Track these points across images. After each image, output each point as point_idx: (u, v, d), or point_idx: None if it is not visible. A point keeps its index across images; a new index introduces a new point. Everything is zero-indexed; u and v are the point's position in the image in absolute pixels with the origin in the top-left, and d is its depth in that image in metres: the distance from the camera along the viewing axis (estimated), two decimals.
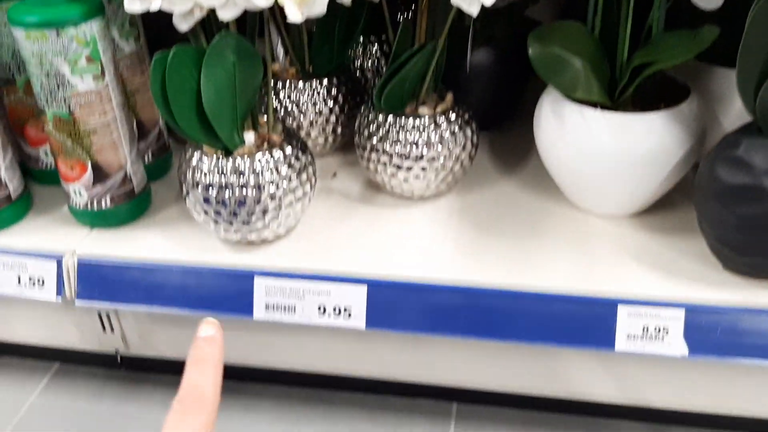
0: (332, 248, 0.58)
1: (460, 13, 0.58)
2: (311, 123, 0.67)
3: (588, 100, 0.54)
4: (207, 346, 0.33)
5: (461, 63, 0.62)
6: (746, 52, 0.46)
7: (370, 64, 0.74)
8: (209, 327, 0.34)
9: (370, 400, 0.66)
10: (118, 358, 0.70)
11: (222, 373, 0.32)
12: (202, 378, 0.31)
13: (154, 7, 0.49)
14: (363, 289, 0.56)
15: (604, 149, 0.53)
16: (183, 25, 0.52)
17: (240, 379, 0.68)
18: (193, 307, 0.59)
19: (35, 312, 0.68)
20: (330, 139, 0.69)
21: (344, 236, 0.60)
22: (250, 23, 0.55)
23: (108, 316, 0.67)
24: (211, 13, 0.50)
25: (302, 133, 0.67)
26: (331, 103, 0.67)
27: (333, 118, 0.68)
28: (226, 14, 0.50)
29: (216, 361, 0.32)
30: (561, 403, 0.62)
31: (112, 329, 0.68)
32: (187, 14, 0.51)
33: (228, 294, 0.58)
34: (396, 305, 0.55)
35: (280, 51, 0.60)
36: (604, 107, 0.54)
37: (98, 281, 0.60)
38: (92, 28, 0.54)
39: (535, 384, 0.61)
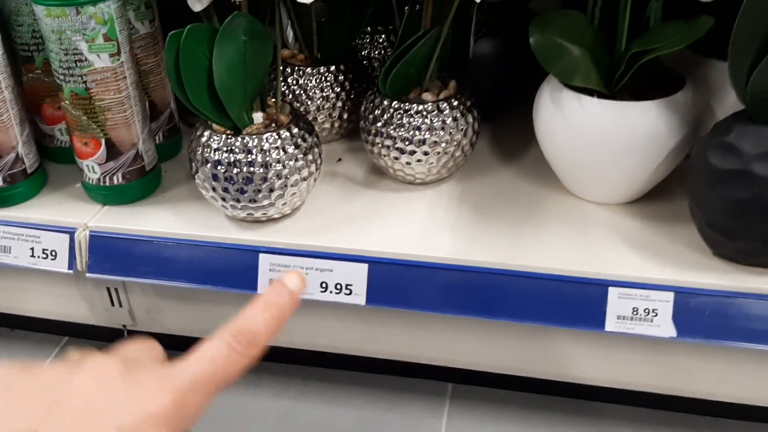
0: (335, 228, 0.60)
1: (466, 2, 0.60)
2: (318, 108, 0.69)
3: (586, 88, 0.56)
4: (287, 296, 0.33)
5: (465, 51, 0.64)
6: (737, 42, 0.47)
7: (377, 53, 0.76)
8: (297, 280, 0.33)
9: (368, 379, 0.68)
10: (125, 333, 0.72)
11: (281, 328, 0.32)
12: (264, 323, 0.31)
13: None
14: (364, 268, 0.58)
15: (600, 136, 0.55)
16: (197, 6, 0.54)
17: None
18: (199, 281, 0.61)
19: (46, 286, 0.70)
20: (336, 125, 0.71)
21: (347, 217, 0.62)
22: (261, 5, 0.57)
23: (117, 291, 0.69)
24: None
25: (309, 118, 0.69)
26: (338, 90, 0.69)
27: (339, 104, 0.70)
28: None
29: (285, 315, 0.32)
30: (554, 385, 0.63)
31: (120, 304, 0.70)
32: None
33: (233, 269, 0.60)
34: (395, 283, 0.57)
35: (290, 36, 0.61)
36: (601, 95, 0.55)
37: (109, 255, 0.62)
38: (110, 7, 0.56)
39: (529, 366, 0.63)
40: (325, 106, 0.69)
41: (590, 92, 0.56)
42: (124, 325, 0.72)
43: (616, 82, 0.56)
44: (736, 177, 0.48)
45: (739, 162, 0.48)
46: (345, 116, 0.71)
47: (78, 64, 0.57)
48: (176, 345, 0.72)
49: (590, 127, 0.55)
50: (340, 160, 0.71)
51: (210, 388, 0.30)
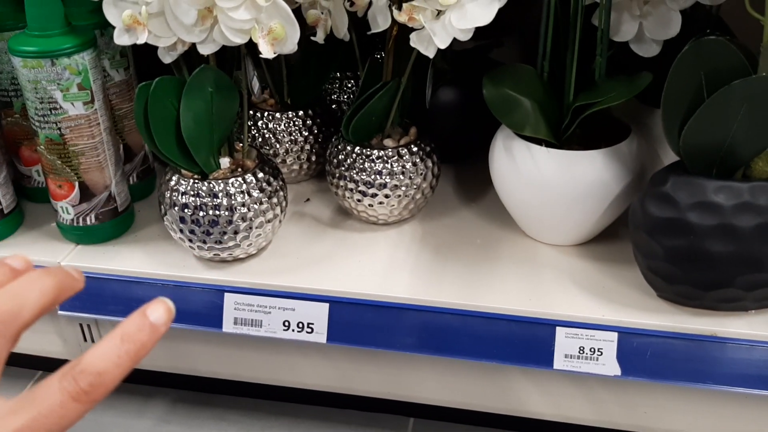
0: (299, 268, 0.63)
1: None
2: (287, 151, 0.72)
3: (536, 138, 0.59)
4: (147, 330, 0.30)
5: (425, 100, 0.67)
6: (669, 97, 0.50)
7: (346, 98, 0.79)
8: (162, 312, 0.30)
9: (332, 414, 0.70)
10: None
11: (136, 363, 0.29)
12: (115, 362, 0.28)
13: (141, 41, 0.54)
14: (325, 307, 0.60)
15: (549, 183, 0.58)
16: (166, 58, 0.57)
17: (210, 391, 0.72)
18: None
19: None
20: (305, 166, 0.74)
21: (312, 257, 0.64)
22: (228, 57, 0.60)
23: (89, 327, 0.71)
24: (193, 47, 0.55)
25: (278, 161, 0.72)
26: (306, 133, 0.72)
27: (308, 147, 0.73)
28: (206, 49, 0.55)
29: (143, 351, 0.29)
30: (510, 420, 0.65)
31: (93, 340, 0.71)
32: (171, 48, 0.56)
33: (199, 308, 0.62)
34: (355, 322, 0.60)
35: (256, 86, 0.64)
36: (550, 144, 0.59)
37: (81, 293, 0.63)
38: (84, 58, 0.59)
39: (485, 401, 0.65)
40: (294, 149, 0.72)
41: (540, 141, 0.59)
42: None
43: (564, 132, 0.59)
44: (672, 225, 0.51)
45: (675, 211, 0.51)
46: (313, 158, 0.74)
47: (53, 111, 0.59)
48: (146, 380, 0.74)
49: (539, 175, 0.58)
50: (308, 200, 0.74)
51: None
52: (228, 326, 0.61)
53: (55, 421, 0.27)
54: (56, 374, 0.28)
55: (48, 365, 0.76)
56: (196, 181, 0.59)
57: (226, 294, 0.61)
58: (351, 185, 0.65)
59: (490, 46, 0.75)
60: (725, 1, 0.59)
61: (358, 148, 0.64)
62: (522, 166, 0.59)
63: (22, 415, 0.27)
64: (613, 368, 0.55)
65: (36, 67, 0.58)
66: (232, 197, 0.59)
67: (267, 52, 0.53)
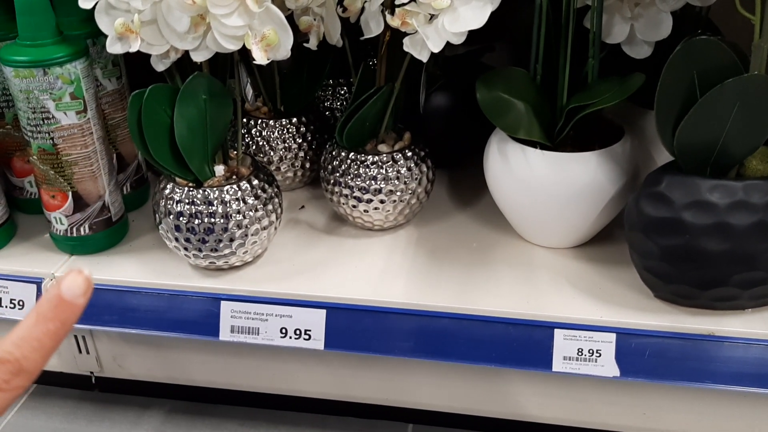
0: (295, 275, 0.63)
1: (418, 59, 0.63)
2: (281, 158, 0.72)
3: (530, 140, 0.59)
4: (65, 307, 0.28)
5: (419, 105, 0.67)
6: (663, 97, 0.51)
7: (338, 105, 0.79)
8: (76, 283, 0.28)
9: (330, 421, 0.70)
10: (93, 379, 0.74)
11: (59, 343, 0.27)
12: (34, 346, 0.27)
13: (134, 48, 0.54)
14: (322, 313, 0.60)
15: (544, 185, 0.58)
16: (159, 66, 0.57)
17: (206, 401, 0.71)
18: (163, 329, 0.62)
19: None
20: (299, 173, 0.74)
21: (307, 264, 0.64)
22: (221, 65, 0.60)
23: (84, 339, 0.70)
24: (186, 55, 0.55)
25: (272, 168, 0.72)
26: (300, 140, 0.72)
27: (302, 155, 0.73)
28: (199, 56, 0.55)
29: (63, 329, 0.27)
30: (510, 424, 0.65)
31: (87, 351, 0.71)
32: (163, 56, 0.56)
33: (196, 317, 0.62)
34: (352, 328, 0.59)
35: (249, 93, 0.64)
36: (544, 147, 0.59)
37: None
38: (76, 67, 0.59)
39: (485, 405, 0.65)
40: (288, 156, 0.72)
41: (534, 144, 0.59)
42: (91, 372, 0.73)
43: (558, 134, 0.59)
44: (667, 225, 0.51)
45: (670, 211, 0.51)
46: (307, 165, 0.74)
47: (45, 121, 0.59)
48: (142, 390, 0.74)
49: (534, 177, 0.58)
50: (302, 207, 0.73)
51: None
52: (225, 334, 0.61)
53: None
54: None
55: (42, 378, 0.75)
56: (191, 189, 0.59)
57: (222, 302, 0.61)
58: (346, 191, 0.65)
59: (482, 51, 0.75)
60: (714, 2, 0.60)
61: (352, 154, 0.64)
62: (516, 169, 0.59)
63: None
64: (611, 369, 0.55)
65: (28, 77, 0.57)
66: (228, 205, 0.58)
67: (260, 58, 0.53)
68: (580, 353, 0.55)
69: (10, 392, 0.27)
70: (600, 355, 0.55)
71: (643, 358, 0.55)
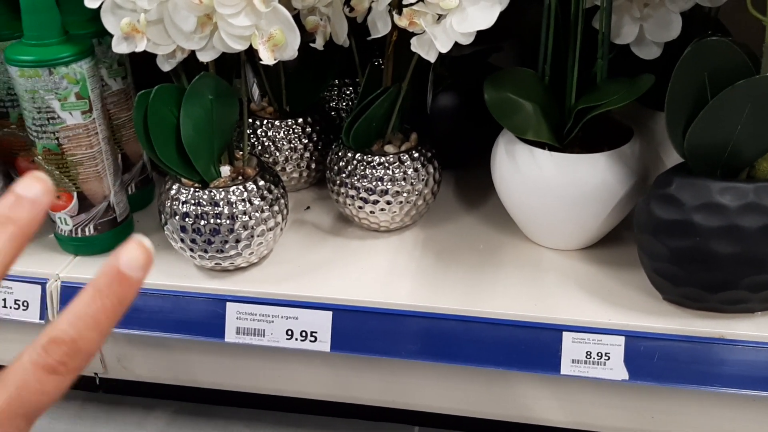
0: (301, 276, 0.62)
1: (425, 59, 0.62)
2: (287, 159, 0.72)
3: (538, 141, 0.58)
4: (126, 283, 0.25)
5: (426, 105, 0.67)
6: (673, 100, 0.50)
7: (344, 105, 0.79)
8: (138, 254, 0.26)
9: (336, 423, 0.69)
10: (97, 381, 0.73)
11: (118, 320, 0.25)
12: (89, 324, 0.25)
13: (140, 48, 0.54)
14: (328, 315, 0.59)
15: (552, 187, 0.58)
16: (165, 66, 0.57)
17: (211, 402, 0.71)
18: (168, 330, 0.62)
19: (19, 336, 0.71)
20: (305, 174, 0.74)
21: (313, 265, 0.64)
22: (227, 65, 0.59)
23: None
24: (192, 54, 0.55)
25: (278, 168, 0.72)
26: (305, 141, 0.72)
27: (307, 155, 0.72)
28: (205, 56, 0.54)
29: (122, 305, 0.25)
30: (517, 427, 0.65)
31: None
32: (170, 56, 0.56)
33: (201, 318, 0.61)
34: (359, 330, 0.59)
35: (256, 93, 0.64)
36: (552, 148, 0.58)
37: None
38: (82, 67, 0.58)
39: (491, 408, 0.64)
40: (293, 157, 0.72)
41: (542, 145, 0.59)
42: (95, 373, 0.73)
43: (566, 136, 0.58)
44: (677, 227, 0.51)
45: (680, 213, 0.51)
46: (313, 166, 0.73)
47: (50, 121, 0.59)
48: (146, 392, 0.73)
49: (542, 179, 0.58)
50: (308, 208, 0.73)
51: (18, 422, 0.24)
52: (230, 336, 0.60)
53: (35, 398, 0.25)
54: (27, 349, 0.25)
55: None
56: (197, 189, 0.58)
57: (228, 303, 0.60)
58: (352, 192, 0.64)
59: (489, 51, 0.75)
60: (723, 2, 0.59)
61: (358, 154, 0.64)
62: (524, 170, 0.59)
63: None
64: (620, 372, 0.55)
65: (33, 77, 0.57)
66: (234, 206, 0.58)
67: (267, 58, 0.53)
68: (588, 356, 0.55)
69: (68, 374, 0.25)
70: (609, 358, 0.55)
71: (652, 361, 0.54)
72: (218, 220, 0.58)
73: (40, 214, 0.26)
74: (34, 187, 0.26)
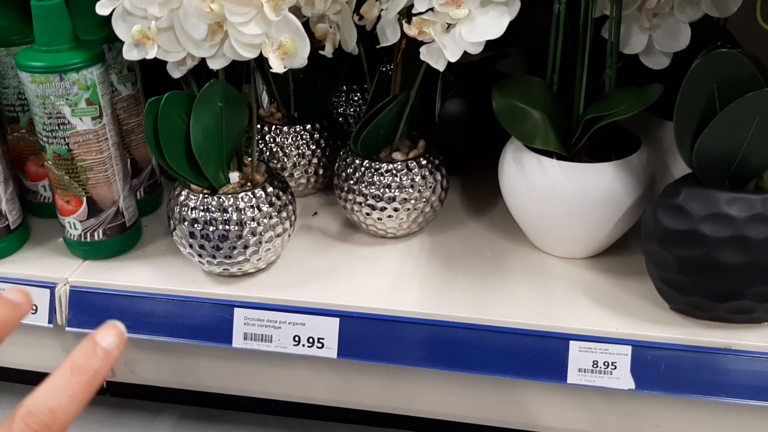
0: (308, 282, 0.62)
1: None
2: (294, 165, 0.72)
3: (546, 150, 0.59)
4: (100, 356, 0.28)
5: (434, 113, 0.67)
6: (682, 109, 0.50)
7: (352, 111, 0.79)
8: (113, 336, 0.28)
9: (341, 429, 0.69)
10: (104, 384, 0.74)
11: (92, 395, 0.27)
12: (68, 396, 0.27)
13: (150, 55, 0.54)
14: (336, 322, 0.60)
15: (559, 196, 0.58)
16: (176, 73, 0.57)
17: (218, 407, 0.71)
18: (175, 335, 0.62)
19: (27, 339, 0.71)
20: (312, 180, 0.74)
21: (320, 271, 0.64)
22: (237, 71, 0.60)
23: None
24: (202, 62, 0.55)
25: (286, 174, 0.72)
26: (314, 147, 0.72)
27: (315, 161, 0.72)
28: (216, 64, 0.55)
29: (97, 380, 0.27)
30: None
31: None
32: (180, 63, 0.56)
33: (209, 323, 0.61)
34: (366, 336, 0.59)
35: (265, 99, 0.64)
36: (560, 156, 0.58)
37: (88, 309, 0.64)
38: (92, 73, 0.59)
39: (497, 416, 0.64)
40: (301, 163, 0.72)
41: (550, 154, 0.59)
42: None
43: (574, 144, 0.59)
44: (685, 237, 0.51)
45: (688, 223, 0.51)
46: (321, 172, 0.74)
47: (61, 127, 0.59)
48: (154, 396, 0.73)
49: (550, 187, 0.58)
50: (315, 213, 0.73)
51: None
52: (238, 342, 0.61)
53: None
54: (5, 422, 0.26)
55: None
56: (206, 195, 0.59)
57: (235, 309, 0.60)
58: (360, 199, 0.64)
59: (497, 58, 0.75)
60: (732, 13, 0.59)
61: (366, 161, 0.64)
62: (532, 179, 0.59)
63: None
64: (627, 382, 0.55)
65: (44, 83, 0.58)
66: (242, 212, 0.58)
67: (277, 66, 0.53)
68: (595, 365, 0.55)
69: None
70: (615, 368, 0.55)
71: (658, 370, 0.54)
72: (227, 227, 0.58)
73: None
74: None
